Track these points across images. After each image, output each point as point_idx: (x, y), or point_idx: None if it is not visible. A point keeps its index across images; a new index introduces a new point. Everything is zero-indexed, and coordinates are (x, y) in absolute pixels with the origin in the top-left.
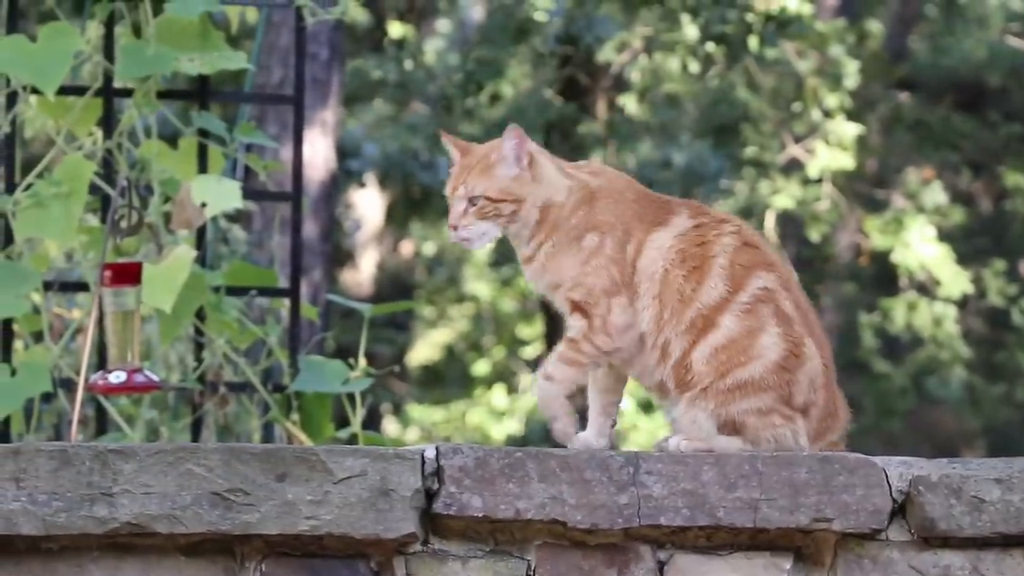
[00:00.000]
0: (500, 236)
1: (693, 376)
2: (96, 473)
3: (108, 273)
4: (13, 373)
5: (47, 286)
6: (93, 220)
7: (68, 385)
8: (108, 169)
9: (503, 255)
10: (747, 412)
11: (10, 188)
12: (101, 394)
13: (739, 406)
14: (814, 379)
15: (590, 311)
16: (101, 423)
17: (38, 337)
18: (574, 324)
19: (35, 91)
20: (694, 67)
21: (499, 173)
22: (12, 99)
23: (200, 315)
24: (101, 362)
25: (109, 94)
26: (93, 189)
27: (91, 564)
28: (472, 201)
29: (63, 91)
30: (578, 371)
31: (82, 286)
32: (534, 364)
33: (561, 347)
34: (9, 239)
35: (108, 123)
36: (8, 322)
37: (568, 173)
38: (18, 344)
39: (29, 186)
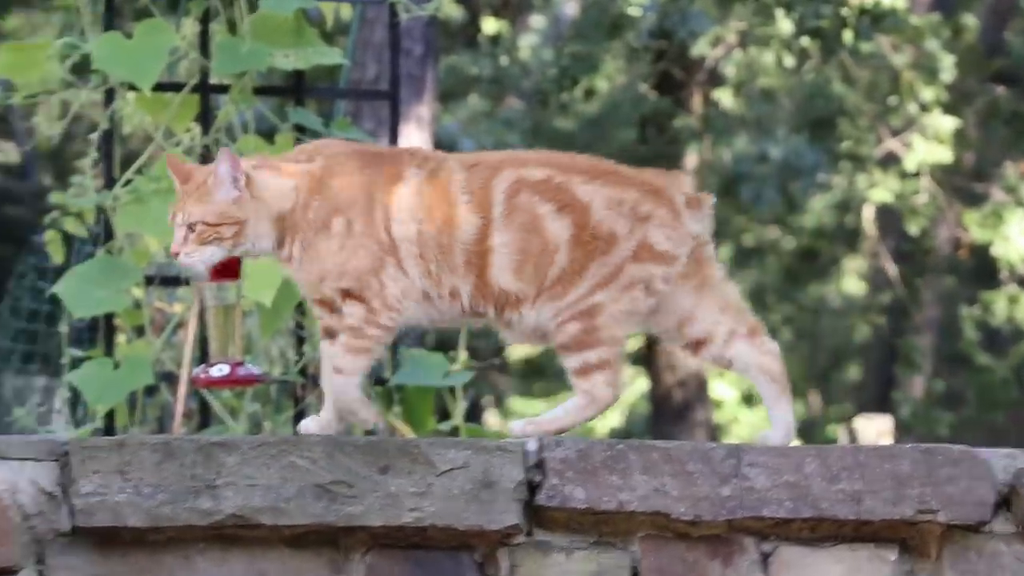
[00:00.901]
0: (228, 256)
1: (515, 295)
2: (200, 466)
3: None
4: (116, 366)
5: (148, 281)
6: None
7: (170, 379)
8: (206, 164)
9: None
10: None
11: (110, 184)
12: (203, 388)
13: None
14: None
15: (364, 295)
16: (204, 416)
17: (140, 331)
18: (352, 311)
19: (132, 88)
20: (789, 61)
21: (217, 198)
22: (110, 96)
23: (300, 308)
24: (203, 356)
25: (205, 90)
26: None
27: (197, 556)
28: (191, 227)
29: (160, 87)
30: (368, 357)
31: (183, 281)
32: (635, 357)
33: (344, 338)
34: (110, 235)
35: (205, 119)
36: (110, 316)
37: (290, 172)
38: (120, 338)
39: (128, 182)
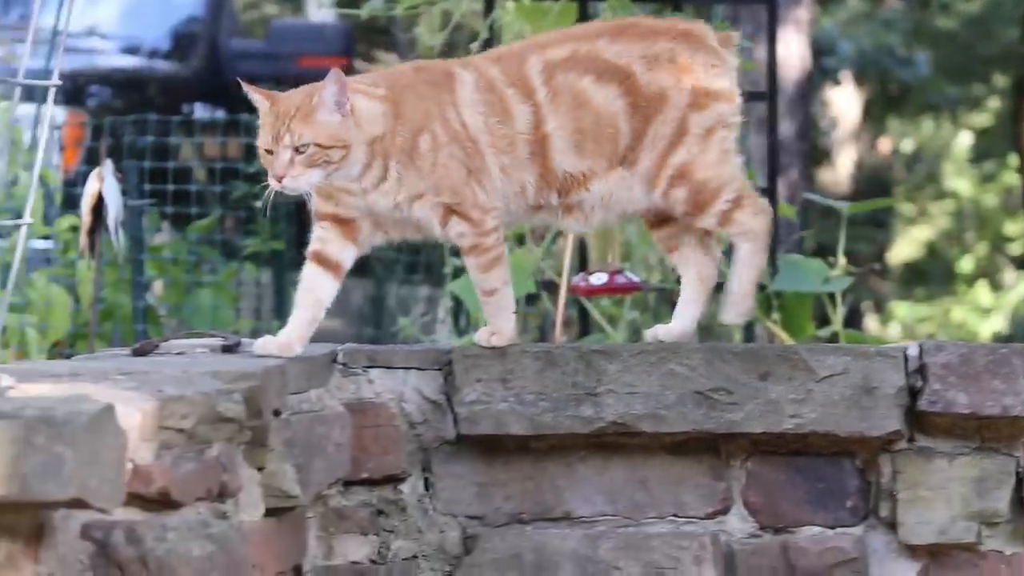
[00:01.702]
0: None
1: (581, 174)
2: (581, 374)
3: None
4: None
5: None
6: None
7: (550, 287)
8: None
9: (985, 150)
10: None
11: None
12: (583, 296)
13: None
14: None
15: (463, 209)
16: (584, 324)
17: (520, 241)
18: (460, 229)
19: None
20: None
21: (323, 119)
22: (490, 5)
23: None
24: (582, 264)
25: None
26: None
27: (578, 463)
28: (299, 150)
29: None
30: (504, 267)
31: None
32: (1020, 261)
33: (471, 259)
34: None
35: None
36: None
37: (376, 95)
38: None
39: None
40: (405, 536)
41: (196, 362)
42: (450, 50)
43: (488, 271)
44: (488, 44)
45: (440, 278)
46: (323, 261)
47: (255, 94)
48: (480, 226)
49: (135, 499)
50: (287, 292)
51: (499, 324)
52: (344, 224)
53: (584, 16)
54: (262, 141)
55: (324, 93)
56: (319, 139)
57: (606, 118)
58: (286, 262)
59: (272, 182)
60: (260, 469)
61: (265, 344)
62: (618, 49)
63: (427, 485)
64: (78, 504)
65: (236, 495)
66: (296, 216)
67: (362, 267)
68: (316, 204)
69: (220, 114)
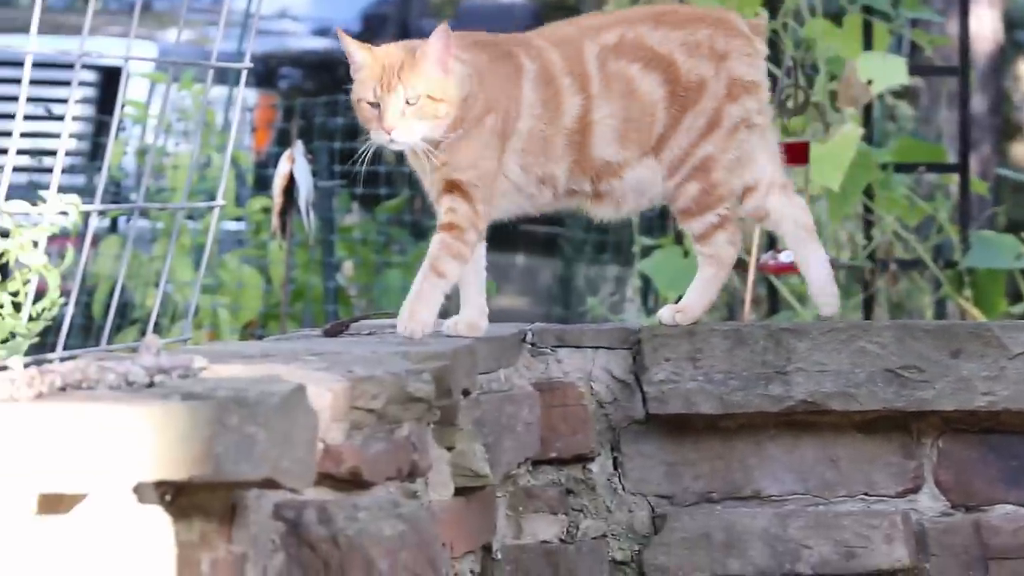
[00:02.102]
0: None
1: (617, 163)
2: (770, 352)
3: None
4: (686, 254)
5: None
6: None
7: (739, 265)
8: (774, 49)
9: None
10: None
11: None
12: (772, 273)
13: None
14: None
15: (474, 194)
16: (773, 302)
17: None
18: (455, 207)
19: None
20: None
21: (431, 73)
22: None
23: (868, 193)
24: (771, 242)
25: None
26: None
27: (768, 442)
28: (409, 101)
29: None
30: (463, 264)
31: None
32: None
33: (447, 239)
34: None
35: (773, 2)
36: None
37: (463, 59)
38: None
39: None
40: (594, 515)
41: (386, 342)
42: None
43: (452, 254)
44: None
45: (629, 257)
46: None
47: (354, 45)
48: (476, 218)
49: (326, 479)
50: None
51: (419, 308)
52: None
53: None
54: (364, 93)
55: (431, 48)
56: (431, 91)
57: (648, 107)
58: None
59: (379, 135)
60: (449, 449)
61: (455, 324)
62: (660, 36)
63: (616, 464)
64: (270, 484)
65: (426, 475)
66: None
67: (551, 247)
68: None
69: None
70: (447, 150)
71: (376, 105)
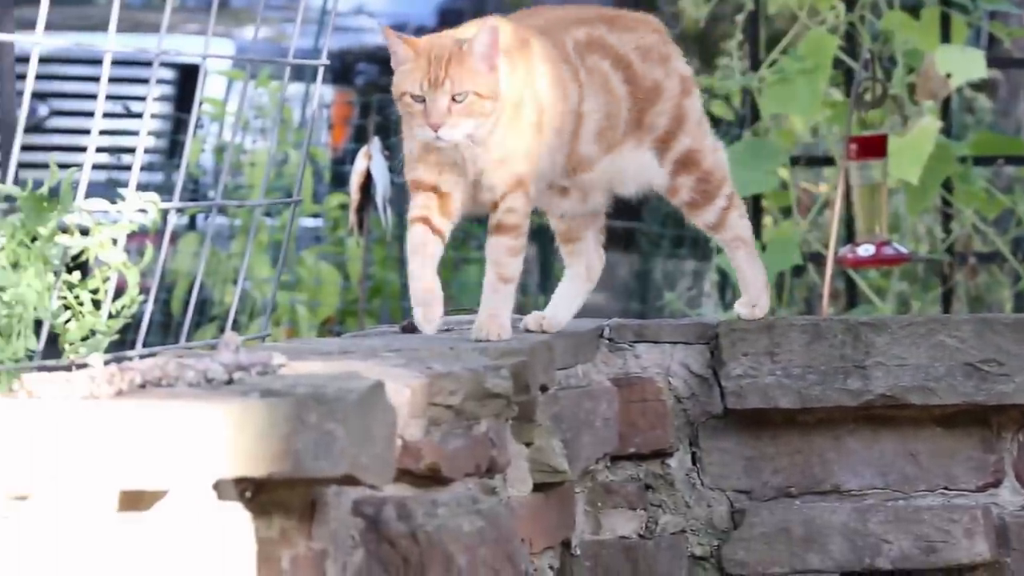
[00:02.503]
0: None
1: (588, 158)
2: (848, 346)
3: (854, 146)
4: (763, 248)
5: (793, 161)
6: (837, 94)
7: (817, 259)
8: (851, 42)
9: None
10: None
11: (755, 65)
12: (850, 267)
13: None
14: None
15: (530, 189)
16: (851, 296)
17: (786, 212)
18: (515, 206)
19: None
20: None
21: (479, 68)
22: None
23: (947, 186)
24: (849, 235)
25: None
26: (836, 63)
27: (847, 436)
28: (457, 98)
29: None
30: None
31: (828, 160)
32: None
33: (508, 242)
34: (756, 116)
35: None
36: (757, 198)
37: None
38: (767, 220)
39: (773, 63)
40: (673, 511)
41: (463, 338)
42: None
43: (517, 256)
44: (753, 16)
45: (706, 252)
46: (430, 226)
47: (396, 39)
48: (528, 207)
49: (405, 475)
50: (552, 267)
51: (495, 315)
52: (442, 196)
53: None
54: (408, 86)
55: (479, 43)
56: (478, 88)
57: (618, 104)
58: (551, 237)
59: (424, 131)
60: (528, 444)
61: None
62: (616, 38)
63: (694, 460)
64: (349, 481)
65: (504, 471)
66: None
67: (627, 241)
68: (419, 173)
69: None
70: (496, 146)
71: (421, 99)
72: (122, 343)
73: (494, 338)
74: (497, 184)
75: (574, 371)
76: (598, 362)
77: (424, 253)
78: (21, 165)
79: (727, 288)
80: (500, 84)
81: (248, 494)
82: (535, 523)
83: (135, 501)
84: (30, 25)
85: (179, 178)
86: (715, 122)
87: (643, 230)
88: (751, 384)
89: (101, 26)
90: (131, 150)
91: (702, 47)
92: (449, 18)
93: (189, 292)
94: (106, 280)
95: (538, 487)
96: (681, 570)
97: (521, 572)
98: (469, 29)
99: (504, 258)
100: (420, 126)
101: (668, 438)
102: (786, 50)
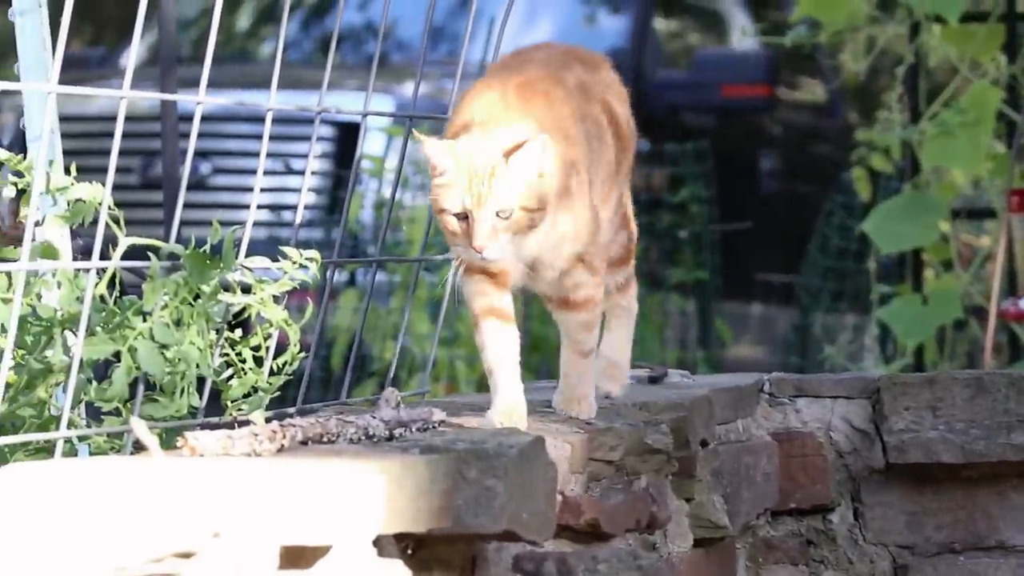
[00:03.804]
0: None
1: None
2: (1012, 400)
3: (1015, 199)
4: (924, 301)
5: (954, 214)
6: (999, 146)
7: (979, 312)
8: (1013, 94)
9: None
10: None
11: (915, 118)
12: (1012, 320)
13: None
14: None
15: (591, 259)
16: (1014, 350)
17: (947, 265)
18: (579, 279)
19: (938, 19)
20: None
21: (526, 178)
22: (915, 29)
23: None
24: (1011, 288)
25: (1012, 18)
26: (999, 115)
27: (1011, 491)
28: (501, 215)
29: (965, 18)
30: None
31: (990, 213)
32: None
33: (582, 318)
34: (916, 169)
35: (1011, 47)
36: (918, 251)
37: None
38: (928, 272)
39: (934, 115)
40: (835, 566)
41: (623, 393)
42: (874, 76)
43: (593, 330)
44: (914, 69)
45: (867, 305)
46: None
47: (434, 148)
48: (598, 277)
49: (565, 531)
50: (712, 321)
51: (581, 393)
52: (494, 276)
53: (1012, 38)
54: (448, 203)
55: (525, 157)
56: (525, 203)
57: (609, 151)
58: (711, 292)
59: (468, 252)
60: (688, 500)
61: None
62: (592, 80)
63: (856, 515)
64: (509, 536)
65: (665, 526)
66: (720, 246)
67: (787, 295)
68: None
69: (644, 145)
70: (554, 224)
71: (463, 217)
72: (283, 399)
73: (584, 417)
74: (556, 263)
75: (734, 425)
76: (758, 416)
77: (507, 355)
78: (184, 223)
79: (888, 341)
80: (549, 190)
81: (409, 550)
82: None
83: (296, 558)
84: (193, 84)
85: (339, 234)
86: (874, 175)
87: (802, 283)
88: (913, 439)
89: (262, 84)
90: (292, 207)
91: (862, 100)
92: None
93: (349, 348)
94: (268, 337)
95: (699, 543)
96: None
97: None
98: (512, 132)
99: (579, 335)
100: (464, 247)
101: (829, 493)
102: (947, 102)
